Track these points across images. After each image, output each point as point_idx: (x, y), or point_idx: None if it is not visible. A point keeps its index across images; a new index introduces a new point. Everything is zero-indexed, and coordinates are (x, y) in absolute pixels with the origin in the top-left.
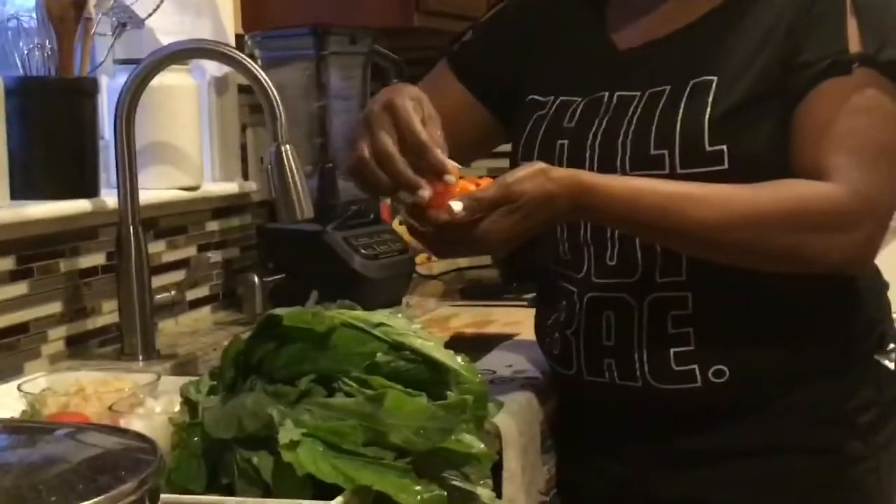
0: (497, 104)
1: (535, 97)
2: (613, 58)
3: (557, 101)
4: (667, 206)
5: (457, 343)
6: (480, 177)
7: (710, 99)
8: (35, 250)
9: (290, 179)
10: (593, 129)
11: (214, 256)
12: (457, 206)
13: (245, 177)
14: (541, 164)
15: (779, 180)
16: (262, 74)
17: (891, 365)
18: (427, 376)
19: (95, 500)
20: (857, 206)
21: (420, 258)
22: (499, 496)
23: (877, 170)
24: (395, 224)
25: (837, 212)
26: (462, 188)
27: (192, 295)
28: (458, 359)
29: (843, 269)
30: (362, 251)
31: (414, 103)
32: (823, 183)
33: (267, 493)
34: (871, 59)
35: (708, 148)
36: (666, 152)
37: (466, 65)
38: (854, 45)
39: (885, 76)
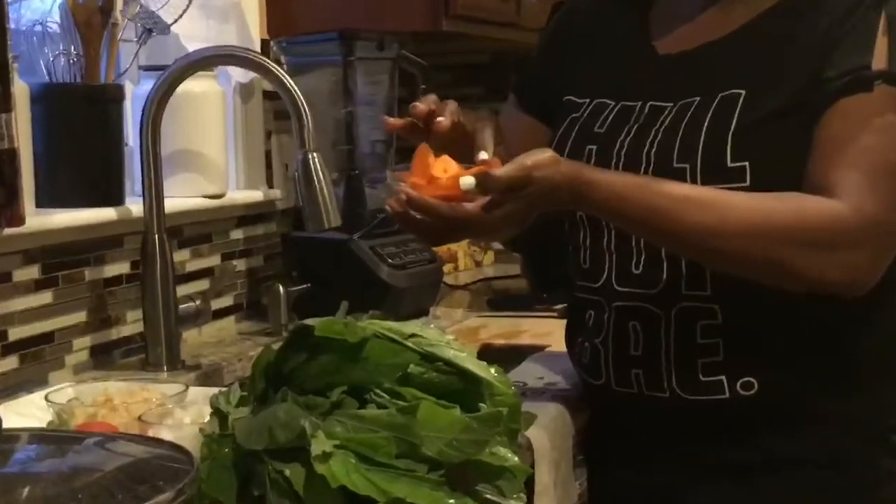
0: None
1: (572, 98)
2: (652, 63)
3: (593, 104)
4: (664, 207)
5: (486, 354)
6: (468, 167)
7: (737, 113)
8: (60, 259)
9: (318, 187)
10: (621, 137)
11: (239, 265)
12: (467, 181)
13: (270, 184)
14: (553, 153)
15: (782, 192)
16: (288, 80)
17: None
18: (460, 388)
19: None
20: (860, 225)
21: (447, 268)
22: None
23: (885, 191)
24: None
25: (837, 229)
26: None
27: (216, 304)
28: (492, 370)
29: (838, 291)
30: (389, 260)
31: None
32: (827, 199)
33: None
34: (891, 76)
35: (730, 164)
36: (688, 166)
37: (525, 92)
38: (880, 61)
39: None
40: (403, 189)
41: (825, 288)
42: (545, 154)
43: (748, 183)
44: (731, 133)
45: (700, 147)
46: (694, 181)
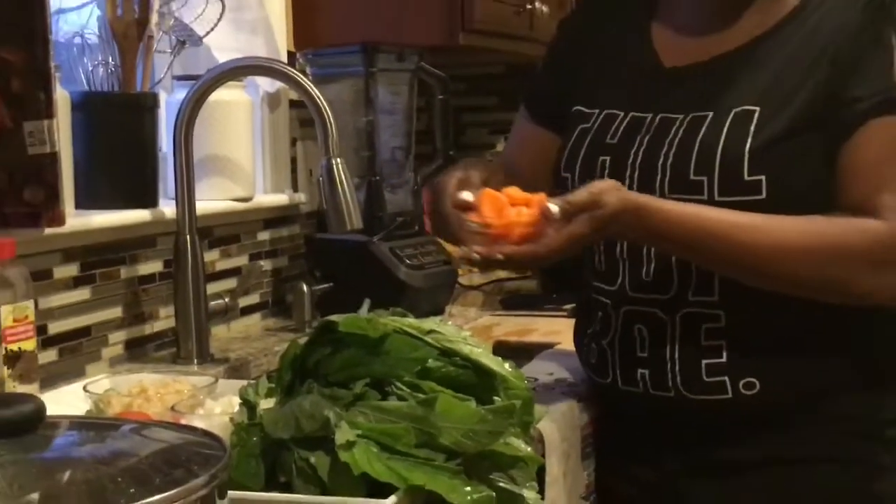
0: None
1: (581, 108)
2: (658, 75)
3: (602, 115)
4: (720, 231)
5: (499, 351)
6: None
7: (752, 129)
8: (97, 257)
9: (341, 191)
10: (634, 147)
11: (265, 265)
12: (554, 208)
13: (295, 188)
14: (615, 182)
15: (832, 215)
16: (314, 90)
17: None
18: (476, 381)
19: (171, 492)
20: None
21: (461, 270)
22: (542, 499)
23: None
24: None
25: (887, 249)
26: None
27: (243, 302)
28: (506, 365)
29: (890, 305)
30: (407, 261)
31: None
32: (873, 220)
33: (323, 492)
34: None
35: (747, 177)
36: (705, 179)
37: (535, 104)
38: None
39: None
40: (501, 251)
41: (876, 303)
42: (607, 182)
43: (764, 195)
44: (747, 149)
45: (717, 161)
46: (711, 193)
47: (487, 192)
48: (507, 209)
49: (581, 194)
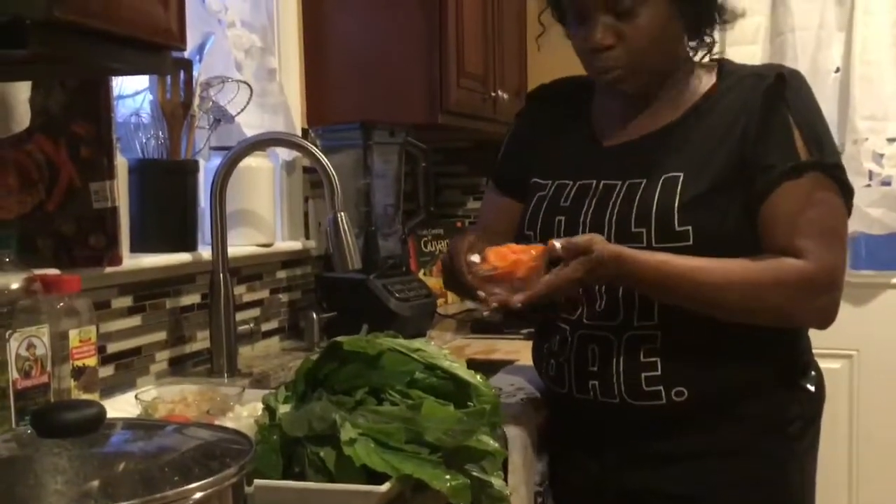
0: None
1: (537, 180)
2: (598, 152)
3: (555, 184)
4: (683, 275)
5: (470, 366)
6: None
7: (679, 190)
8: (147, 291)
9: (344, 239)
10: (584, 208)
11: (283, 297)
12: (557, 244)
13: (307, 236)
14: (598, 235)
15: (764, 256)
16: (323, 158)
17: (811, 388)
18: (454, 390)
19: (208, 480)
20: (826, 278)
21: (439, 301)
22: (506, 485)
23: (834, 248)
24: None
25: (813, 282)
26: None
27: (265, 327)
28: (478, 377)
29: (819, 326)
30: (397, 295)
31: (465, 242)
32: (800, 260)
33: (331, 480)
34: (819, 164)
35: (677, 228)
36: (644, 230)
37: (502, 178)
38: (802, 152)
39: (827, 175)
40: (519, 300)
41: (813, 326)
42: (594, 235)
43: (691, 242)
44: (676, 205)
45: (653, 216)
46: (650, 242)
47: (491, 248)
48: (511, 255)
49: (579, 238)
